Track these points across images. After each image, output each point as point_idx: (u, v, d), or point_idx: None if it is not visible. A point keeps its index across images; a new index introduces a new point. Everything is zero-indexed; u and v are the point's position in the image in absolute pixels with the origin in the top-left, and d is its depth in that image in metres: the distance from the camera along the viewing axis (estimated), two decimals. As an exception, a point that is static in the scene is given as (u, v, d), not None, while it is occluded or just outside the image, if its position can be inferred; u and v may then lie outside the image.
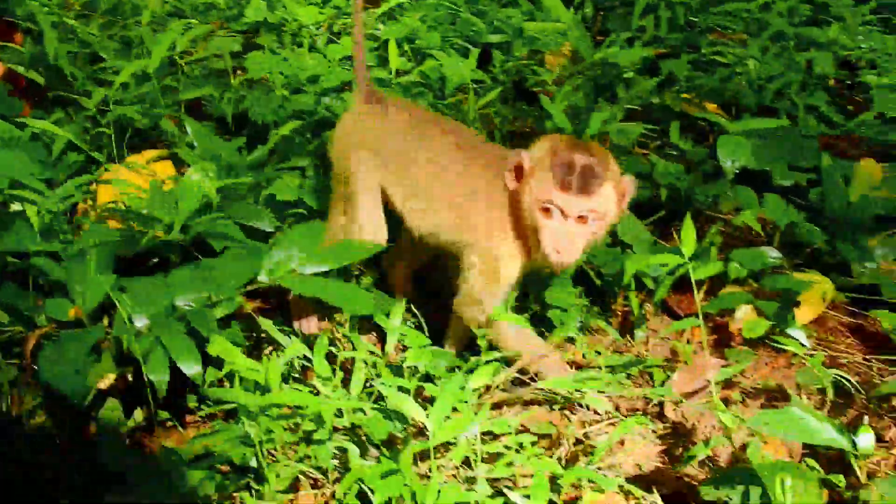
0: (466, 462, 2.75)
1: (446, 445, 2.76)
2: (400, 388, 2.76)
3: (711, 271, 2.87)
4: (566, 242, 2.84)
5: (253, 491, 2.68)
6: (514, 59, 4.39)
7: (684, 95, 4.21)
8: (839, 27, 4.39)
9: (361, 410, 2.85)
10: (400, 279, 3.53)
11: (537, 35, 4.53)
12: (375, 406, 2.87)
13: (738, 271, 3.38)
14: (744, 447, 2.76)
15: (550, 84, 4.33)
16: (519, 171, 2.90)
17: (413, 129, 3.17)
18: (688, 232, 2.79)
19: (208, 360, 2.90)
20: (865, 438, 2.42)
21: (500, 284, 3.02)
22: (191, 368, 2.82)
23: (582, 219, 2.84)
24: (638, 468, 2.91)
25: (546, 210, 2.84)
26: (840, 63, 4.43)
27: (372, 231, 3.17)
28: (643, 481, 2.84)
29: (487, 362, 2.83)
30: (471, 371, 2.88)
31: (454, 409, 2.75)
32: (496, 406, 3.07)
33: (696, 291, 2.89)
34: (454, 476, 2.82)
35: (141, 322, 2.92)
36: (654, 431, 3.03)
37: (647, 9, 4.72)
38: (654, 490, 2.79)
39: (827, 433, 2.41)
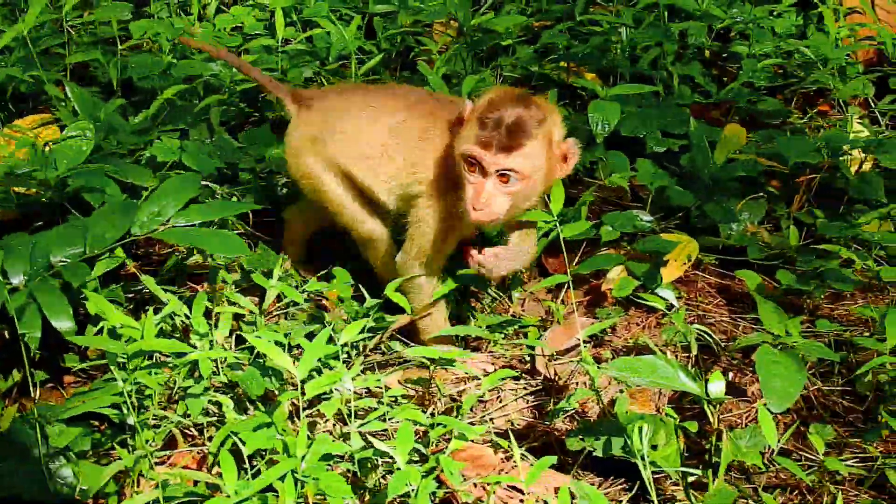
0: (346, 418, 2.81)
1: (322, 401, 2.81)
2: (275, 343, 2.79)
3: (578, 229, 2.95)
4: (484, 200, 2.78)
5: (130, 447, 2.70)
6: (398, 28, 4.42)
7: (563, 64, 4.30)
8: (712, -1, 4.53)
9: (239, 367, 2.88)
10: (295, 240, 3.55)
11: (422, 6, 4.58)
12: (252, 363, 2.90)
13: (611, 234, 3.48)
14: (612, 403, 2.86)
15: (435, 53, 4.38)
16: (460, 122, 2.88)
17: (347, 101, 3.20)
18: (557, 193, 2.86)
19: (90, 320, 2.88)
20: (716, 385, 2.54)
21: (451, 239, 3.04)
22: (63, 324, 2.79)
23: (503, 177, 2.78)
24: (509, 423, 3.00)
25: (470, 164, 2.79)
26: (715, 35, 4.57)
27: (368, 222, 3.22)
28: (514, 435, 2.93)
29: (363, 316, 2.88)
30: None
31: (329, 367, 2.81)
32: (380, 366, 3.14)
33: (564, 250, 2.98)
34: (329, 432, 2.87)
35: (17, 279, 2.89)
36: (525, 388, 3.12)
37: (530, -20, 4.83)
38: (523, 443, 2.90)
39: (680, 379, 2.51)
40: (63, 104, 3.88)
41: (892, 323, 2.80)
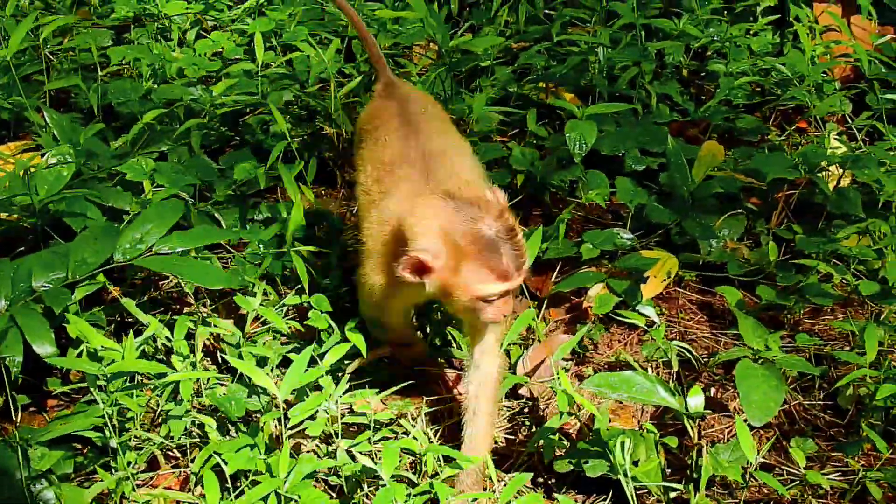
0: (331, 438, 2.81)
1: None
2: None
3: (559, 250, 2.98)
4: (507, 307, 2.67)
5: (112, 469, 2.69)
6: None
7: (541, 85, 4.32)
8: (688, 18, 4.55)
9: (221, 386, 2.88)
10: None
11: (402, 29, 4.60)
12: (235, 383, 2.90)
13: (591, 251, 3.49)
14: (593, 419, 2.87)
15: (415, 76, 4.41)
16: (421, 269, 2.60)
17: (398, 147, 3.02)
18: (534, 242, 2.88)
19: (72, 344, 2.89)
20: (695, 399, 2.55)
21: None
22: (44, 349, 2.78)
23: None
24: (493, 443, 3.00)
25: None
26: (692, 54, 4.60)
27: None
28: (498, 454, 2.94)
29: (342, 342, 2.88)
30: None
31: (317, 388, 2.81)
32: (363, 386, 3.14)
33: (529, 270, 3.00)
34: (314, 452, 2.87)
35: (-1, 304, 2.90)
36: (507, 409, 3.13)
37: (509, 4, 4.85)
38: (507, 464, 2.91)
39: (659, 394, 2.52)
40: (44, 130, 3.88)
41: (871, 336, 2.83)
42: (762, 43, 4.70)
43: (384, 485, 2.39)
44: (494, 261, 2.55)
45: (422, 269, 2.59)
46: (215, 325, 3.11)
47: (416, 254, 2.56)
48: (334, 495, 2.68)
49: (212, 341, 3.24)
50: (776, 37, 4.82)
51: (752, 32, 4.76)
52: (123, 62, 4.44)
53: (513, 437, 3.03)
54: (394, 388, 2.95)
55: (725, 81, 4.29)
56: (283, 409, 2.57)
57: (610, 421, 2.98)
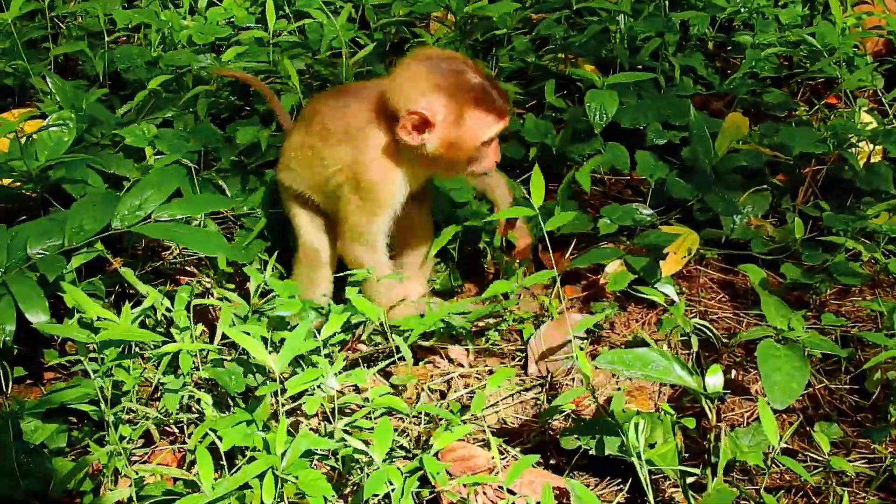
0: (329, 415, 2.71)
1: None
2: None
3: (562, 221, 2.86)
4: (498, 151, 2.92)
5: (106, 443, 2.60)
6: (391, 18, 4.32)
7: (560, 55, 4.18)
8: (715, -13, 4.41)
9: (221, 363, 2.77)
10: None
11: (417, -4, 4.48)
12: (236, 358, 2.80)
13: (609, 227, 3.37)
14: (609, 401, 2.75)
15: (431, 45, 4.27)
16: (421, 126, 2.76)
17: (299, 122, 3.20)
18: (537, 183, 2.76)
19: (69, 314, 2.78)
20: (714, 379, 2.42)
21: (384, 213, 2.96)
22: (37, 317, 2.72)
23: None
24: (501, 422, 2.89)
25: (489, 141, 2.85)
26: (718, 25, 4.45)
27: (315, 239, 3.20)
28: (507, 434, 2.83)
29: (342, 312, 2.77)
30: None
31: (312, 364, 2.70)
32: (364, 360, 3.03)
33: (548, 241, 2.87)
34: (314, 430, 2.77)
35: (-7, 272, 2.82)
36: (518, 385, 3.01)
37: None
38: (516, 443, 2.79)
39: (675, 372, 2.40)
40: (49, 97, 3.79)
41: (900, 316, 2.69)
42: (791, 14, 4.53)
43: (377, 467, 2.28)
44: (490, 103, 2.77)
45: (422, 127, 2.76)
46: (223, 298, 3.00)
47: (417, 110, 2.73)
48: (335, 476, 2.57)
49: (213, 313, 3.14)
50: (805, 8, 4.65)
51: (780, 3, 4.60)
52: (130, 26, 4.33)
53: (524, 415, 2.91)
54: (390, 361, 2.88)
55: (752, 53, 4.14)
56: (280, 383, 2.47)
57: (626, 402, 2.85)
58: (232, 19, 4.49)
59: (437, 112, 2.74)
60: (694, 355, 3.01)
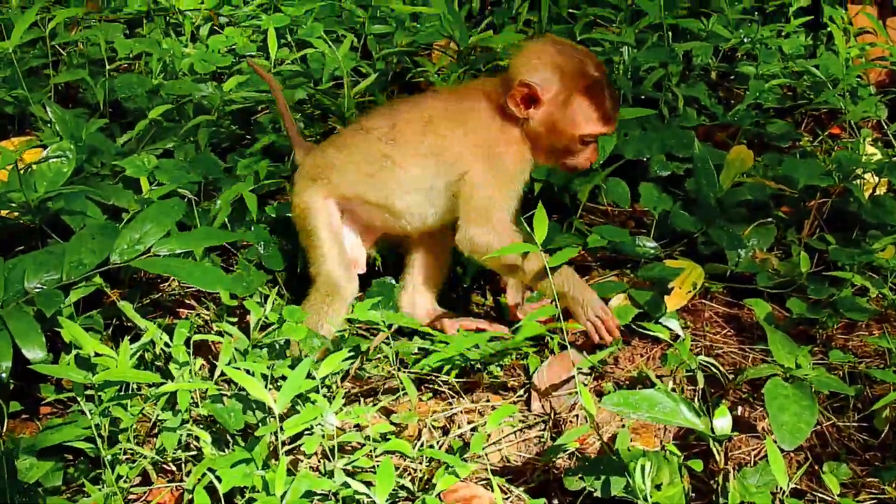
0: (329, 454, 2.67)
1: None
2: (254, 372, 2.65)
3: (566, 257, 2.83)
4: (595, 155, 3.03)
5: (102, 483, 2.56)
6: (393, 48, 4.31)
7: (564, 86, 4.16)
8: (717, 18, 4.39)
9: (220, 400, 2.73)
10: None
11: (420, 27, 4.46)
12: (235, 395, 2.76)
13: (597, 241, 3.39)
14: (614, 438, 2.71)
15: (433, 75, 4.26)
16: (529, 100, 2.90)
17: (352, 129, 3.22)
18: (540, 220, 2.73)
19: (66, 349, 2.76)
20: (722, 421, 2.39)
21: (513, 189, 3.02)
22: (34, 353, 2.68)
23: None
24: (504, 460, 2.85)
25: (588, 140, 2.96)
26: (721, 56, 4.44)
27: (341, 274, 3.13)
28: (510, 473, 2.79)
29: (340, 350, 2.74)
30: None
31: (311, 402, 2.66)
32: (365, 395, 3.00)
33: (550, 275, 2.84)
34: (313, 469, 2.73)
35: (-10, 306, 2.79)
36: (522, 421, 2.97)
37: (531, 2, 4.70)
38: (519, 482, 2.75)
39: (683, 414, 2.36)
40: (49, 126, 3.77)
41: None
42: (794, 45, 4.52)
43: (380, 511, 2.25)
44: (600, 101, 2.88)
45: (531, 100, 2.89)
46: (223, 332, 2.97)
47: (529, 81, 2.86)
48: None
49: (213, 347, 3.10)
50: (809, 38, 4.64)
51: (783, 34, 4.59)
52: (132, 56, 4.32)
53: (528, 453, 2.87)
54: (392, 397, 2.83)
55: (755, 84, 4.12)
56: (279, 422, 2.43)
57: (630, 440, 2.81)
58: (234, 47, 4.47)
59: (548, 89, 2.88)
60: (700, 392, 2.97)
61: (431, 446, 2.82)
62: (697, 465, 2.47)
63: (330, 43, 4.07)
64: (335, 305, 3.11)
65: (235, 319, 3.14)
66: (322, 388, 2.64)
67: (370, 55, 4.46)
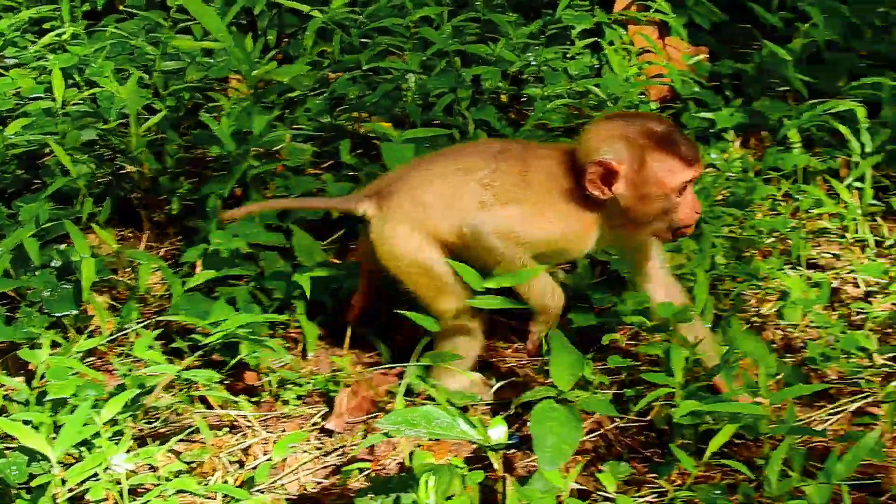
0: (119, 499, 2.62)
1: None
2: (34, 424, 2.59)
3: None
4: (698, 204, 2.93)
5: None
6: (184, 84, 4.28)
7: (355, 114, 4.23)
8: (504, 43, 4.54)
9: (1, 454, 2.65)
10: (354, 311, 3.36)
11: (212, 61, 4.45)
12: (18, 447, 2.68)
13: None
14: (411, 456, 2.76)
15: (228, 109, 4.24)
16: (607, 177, 2.84)
17: (425, 172, 3.08)
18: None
19: None
20: (497, 431, 2.47)
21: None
22: None
23: None
24: (302, 488, 2.86)
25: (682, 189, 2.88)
26: (511, 79, 4.58)
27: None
28: (307, 501, 2.80)
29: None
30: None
31: (95, 447, 2.61)
32: (159, 437, 2.95)
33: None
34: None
35: None
36: (318, 448, 2.99)
37: (323, 33, 4.76)
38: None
39: (460, 427, 2.43)
40: None
41: (676, 357, 2.80)
42: (580, 65, 4.71)
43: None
44: (676, 148, 2.82)
45: (608, 176, 2.82)
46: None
47: (600, 159, 2.81)
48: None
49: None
50: (594, 58, 4.84)
51: (569, 55, 4.78)
52: None
53: (325, 479, 2.89)
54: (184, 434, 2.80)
55: (540, 105, 4.27)
56: (65, 467, 2.38)
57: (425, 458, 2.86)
58: (18, 90, 4.35)
59: (621, 160, 2.82)
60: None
61: (226, 481, 2.80)
62: (478, 476, 2.54)
63: (115, 81, 4.00)
64: (474, 324, 3.06)
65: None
66: (105, 433, 2.59)
67: (157, 92, 4.40)
